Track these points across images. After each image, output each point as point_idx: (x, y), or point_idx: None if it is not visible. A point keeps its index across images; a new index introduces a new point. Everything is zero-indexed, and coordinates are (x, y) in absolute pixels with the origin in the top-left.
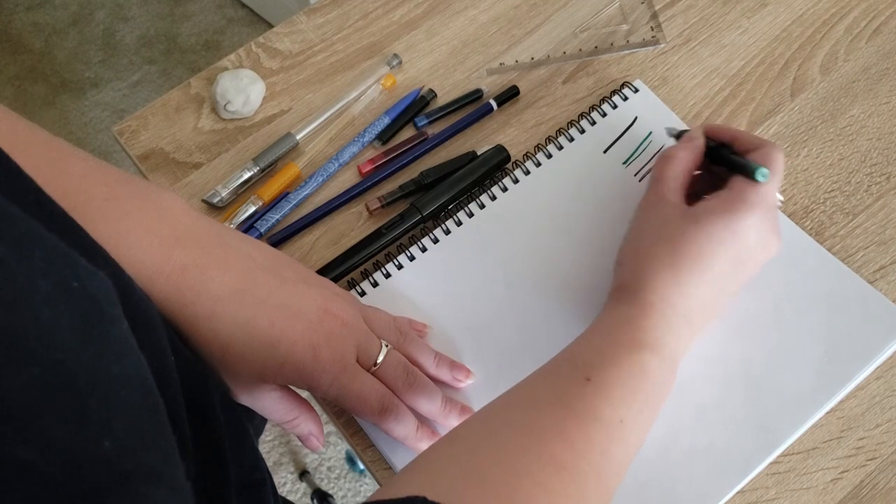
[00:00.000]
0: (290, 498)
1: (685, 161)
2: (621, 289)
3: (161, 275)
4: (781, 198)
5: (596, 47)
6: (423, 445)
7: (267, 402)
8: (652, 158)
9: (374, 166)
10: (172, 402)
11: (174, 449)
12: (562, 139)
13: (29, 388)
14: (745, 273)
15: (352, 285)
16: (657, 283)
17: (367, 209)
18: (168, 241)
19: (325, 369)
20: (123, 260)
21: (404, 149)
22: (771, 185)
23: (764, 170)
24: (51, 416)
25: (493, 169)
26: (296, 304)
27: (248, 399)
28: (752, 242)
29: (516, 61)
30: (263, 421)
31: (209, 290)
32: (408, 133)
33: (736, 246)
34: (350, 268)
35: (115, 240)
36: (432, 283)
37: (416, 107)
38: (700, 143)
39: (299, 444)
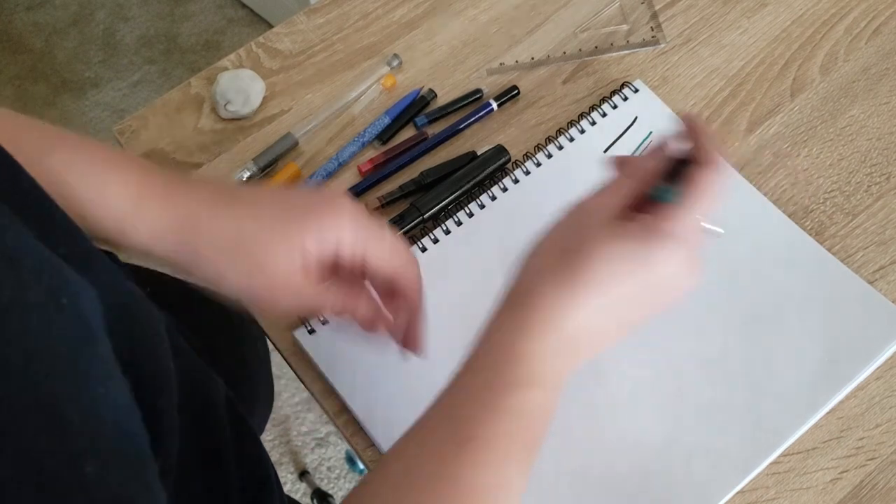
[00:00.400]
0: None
1: (649, 174)
2: (511, 296)
3: (146, 199)
4: (719, 229)
5: (596, 47)
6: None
7: (320, 290)
8: None
9: (373, 166)
10: (164, 415)
11: (155, 476)
12: (562, 139)
13: (8, 402)
14: (651, 306)
15: None
16: (550, 299)
17: (367, 209)
18: (141, 176)
19: (350, 210)
20: (107, 212)
21: (404, 149)
22: (693, 215)
23: (670, 190)
24: (31, 433)
25: (493, 169)
26: (291, 192)
27: (303, 286)
28: (663, 276)
29: (516, 61)
30: (265, 419)
31: (205, 197)
32: (408, 133)
33: (643, 276)
34: None
35: (96, 190)
36: (432, 283)
37: (416, 107)
38: (675, 156)
39: (299, 444)
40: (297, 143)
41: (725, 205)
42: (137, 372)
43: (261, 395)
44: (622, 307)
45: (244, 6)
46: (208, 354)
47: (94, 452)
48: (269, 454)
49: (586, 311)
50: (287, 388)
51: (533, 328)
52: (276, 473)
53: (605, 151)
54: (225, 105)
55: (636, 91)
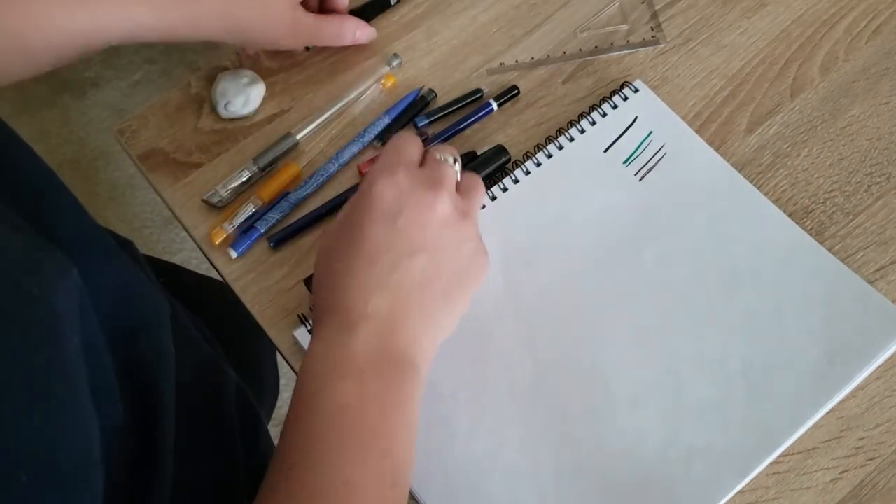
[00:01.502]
0: None
1: None
2: (314, 324)
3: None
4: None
5: (596, 47)
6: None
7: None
8: (652, 158)
9: None
10: (163, 394)
11: (97, 482)
12: (562, 139)
13: None
14: (410, 233)
15: None
16: (325, 299)
17: None
18: None
19: None
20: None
21: None
22: (389, 154)
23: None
24: None
25: (493, 169)
26: None
27: (298, 26)
28: (392, 201)
29: (516, 61)
30: (270, 409)
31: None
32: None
33: (376, 212)
34: None
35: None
36: None
37: (416, 107)
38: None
39: None
40: (297, 143)
41: (726, 204)
42: (137, 351)
43: (267, 387)
44: (385, 253)
45: None
46: (218, 344)
47: (34, 461)
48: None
49: (355, 277)
50: (287, 388)
51: (317, 327)
52: None
53: (605, 151)
54: (225, 105)
55: (636, 91)
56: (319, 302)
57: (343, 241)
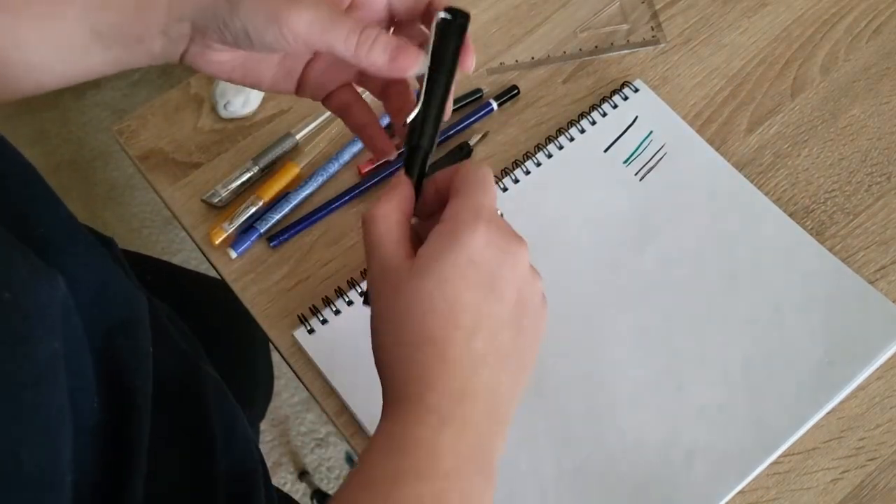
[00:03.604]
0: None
1: (393, 213)
2: (386, 402)
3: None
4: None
5: (596, 47)
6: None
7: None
8: (653, 157)
9: (374, 166)
10: (138, 393)
11: (62, 496)
12: (562, 139)
13: None
14: (505, 298)
15: (352, 285)
16: (410, 375)
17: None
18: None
19: None
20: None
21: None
22: (480, 196)
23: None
24: None
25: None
26: None
27: (307, 25)
28: (491, 261)
29: (516, 61)
30: (266, 401)
31: None
32: None
33: (475, 276)
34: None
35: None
36: None
37: None
38: (405, 188)
39: (299, 444)
40: (297, 143)
41: (726, 204)
42: (114, 349)
43: (260, 386)
44: (481, 319)
45: None
46: (206, 339)
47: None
48: (270, 454)
49: (458, 355)
50: (286, 388)
51: (400, 417)
52: (265, 467)
53: (605, 151)
54: (224, 105)
55: (636, 91)
56: (392, 372)
57: (438, 306)
